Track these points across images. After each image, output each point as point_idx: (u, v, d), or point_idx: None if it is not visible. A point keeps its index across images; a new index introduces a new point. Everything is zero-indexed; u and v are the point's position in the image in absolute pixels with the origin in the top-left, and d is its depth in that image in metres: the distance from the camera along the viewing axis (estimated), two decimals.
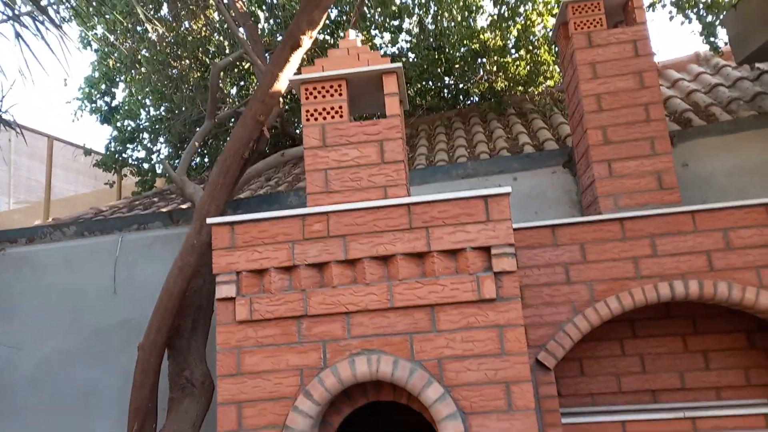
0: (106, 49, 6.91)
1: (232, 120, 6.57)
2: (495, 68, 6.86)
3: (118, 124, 7.06)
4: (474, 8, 6.81)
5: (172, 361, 3.54)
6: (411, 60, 7.06)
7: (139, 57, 6.62)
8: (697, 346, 3.59)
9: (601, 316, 3.18)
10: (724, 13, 4.54)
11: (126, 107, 7.06)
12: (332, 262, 2.56)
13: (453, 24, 6.72)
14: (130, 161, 7.12)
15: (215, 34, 6.80)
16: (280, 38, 6.58)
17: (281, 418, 2.41)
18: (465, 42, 6.51)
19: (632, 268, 3.23)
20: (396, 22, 6.96)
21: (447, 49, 6.61)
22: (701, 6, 4.55)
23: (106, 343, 4.60)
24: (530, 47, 6.67)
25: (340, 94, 2.90)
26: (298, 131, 7.40)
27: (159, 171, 7.17)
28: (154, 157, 7.25)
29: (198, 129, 5.84)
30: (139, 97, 6.99)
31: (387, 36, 7.47)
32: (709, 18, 4.57)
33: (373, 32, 7.28)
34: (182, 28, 6.56)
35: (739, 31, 4.57)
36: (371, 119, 3.05)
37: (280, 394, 2.45)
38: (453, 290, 2.47)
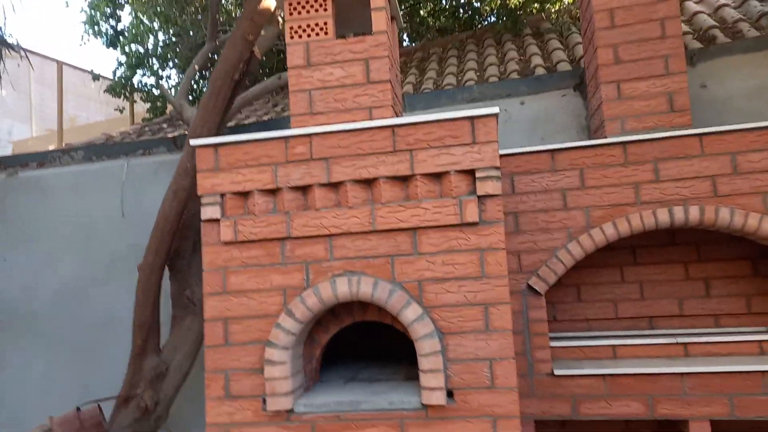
0: None
1: None
2: None
3: (126, 49, 6.95)
4: None
5: (174, 281, 3.65)
6: None
7: None
8: (699, 274, 3.53)
9: (595, 242, 3.12)
10: None
11: (132, 31, 6.91)
12: (315, 185, 2.54)
13: None
14: (139, 87, 7.06)
15: None
16: None
17: (266, 334, 2.48)
18: None
19: (632, 194, 3.12)
20: None
21: None
22: None
23: (118, 267, 4.78)
24: None
25: (325, 9, 2.76)
26: None
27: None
28: (163, 82, 7.17)
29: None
30: (145, 20, 6.82)
31: None
32: None
33: None
34: None
35: None
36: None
37: (264, 312, 2.51)
38: (435, 214, 2.43)
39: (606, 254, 3.67)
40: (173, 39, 6.81)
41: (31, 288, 5.14)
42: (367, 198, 2.52)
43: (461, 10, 7.09)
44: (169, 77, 7.32)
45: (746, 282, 3.47)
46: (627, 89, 3.45)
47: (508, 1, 6.41)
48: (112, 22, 7.11)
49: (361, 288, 2.43)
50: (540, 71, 4.72)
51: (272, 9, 3.38)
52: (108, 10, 6.95)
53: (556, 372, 3.10)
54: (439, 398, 2.31)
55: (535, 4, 6.34)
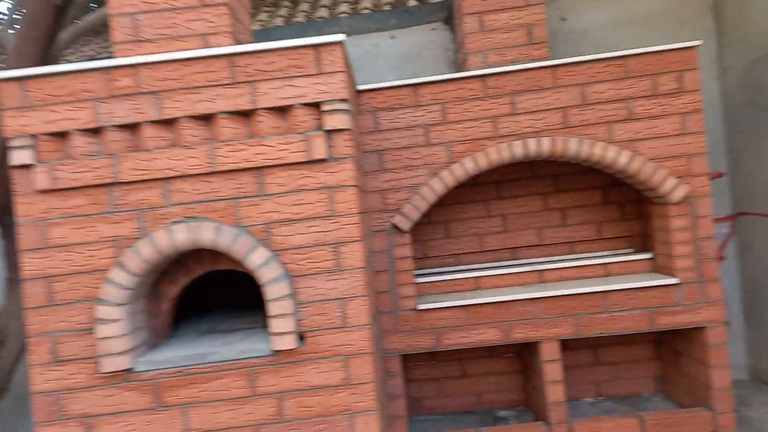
0: None
1: None
2: None
3: None
4: None
5: (5, 239, 3.23)
6: None
7: None
8: (557, 204, 3.71)
9: (456, 177, 3.14)
10: None
11: None
12: (145, 123, 2.26)
13: None
14: None
15: None
16: None
17: (96, 291, 2.24)
18: None
19: (491, 128, 3.15)
20: None
21: None
22: None
23: None
24: None
25: None
26: None
27: None
28: None
29: None
30: None
31: None
32: None
33: None
34: None
35: None
36: None
37: (93, 266, 2.26)
38: (281, 151, 2.27)
39: (472, 190, 3.74)
40: None
41: None
42: (206, 136, 2.29)
43: None
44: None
45: (598, 210, 3.70)
46: (489, 21, 3.42)
47: None
48: None
49: (201, 234, 2.24)
50: (414, 3, 4.57)
51: None
52: None
53: (420, 307, 3.16)
54: (289, 343, 2.24)
55: None
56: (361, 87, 3.14)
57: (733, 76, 3.70)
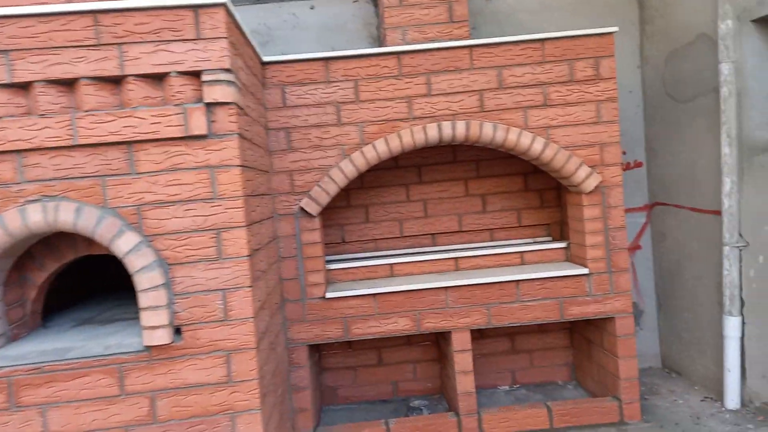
0: None
1: None
2: None
3: None
4: None
5: None
6: None
7: None
8: (478, 190, 3.62)
9: (367, 159, 2.97)
10: None
11: None
12: None
13: None
14: None
15: None
16: None
17: None
18: None
19: (406, 109, 2.99)
20: None
21: None
22: None
23: None
24: None
25: None
26: None
27: None
28: None
29: None
30: None
31: None
32: None
33: None
34: None
35: None
36: None
37: None
38: (155, 124, 2.03)
39: (393, 173, 3.60)
40: None
41: None
42: (67, 104, 2.02)
43: None
44: None
45: (518, 197, 3.63)
46: None
47: None
48: None
49: (59, 215, 1.98)
50: None
51: None
52: None
53: (328, 295, 3.00)
54: (162, 337, 2.02)
55: None
56: (267, 58, 2.91)
57: (653, 66, 3.68)
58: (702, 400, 3.31)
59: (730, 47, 2.88)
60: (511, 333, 3.71)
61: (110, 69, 1.99)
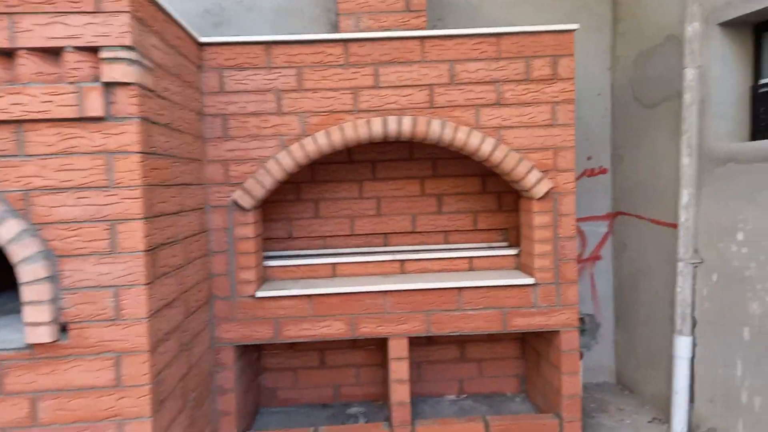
0: None
1: None
2: None
3: None
4: None
5: None
6: None
7: None
8: (434, 190, 3.46)
9: (307, 152, 2.80)
10: None
11: None
12: None
13: None
14: None
15: None
16: None
17: None
18: None
19: (351, 101, 2.82)
20: None
21: None
22: None
23: None
24: None
25: None
26: None
27: None
28: None
29: None
30: None
31: None
32: None
33: None
34: None
35: None
36: None
37: None
38: (46, 103, 1.86)
39: (346, 168, 3.43)
40: None
41: None
42: None
43: None
44: None
45: (475, 199, 3.47)
46: None
47: None
48: None
49: None
50: None
51: None
52: None
53: (259, 294, 2.84)
54: (44, 335, 1.86)
55: None
56: (204, 40, 2.73)
57: (623, 68, 3.52)
58: (650, 422, 3.17)
59: (696, 51, 2.71)
60: (461, 341, 3.56)
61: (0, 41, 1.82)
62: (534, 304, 2.91)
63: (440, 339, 3.54)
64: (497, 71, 2.79)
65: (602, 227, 3.71)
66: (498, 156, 2.80)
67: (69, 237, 1.90)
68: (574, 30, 2.77)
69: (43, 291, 1.86)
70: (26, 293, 1.85)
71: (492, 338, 3.56)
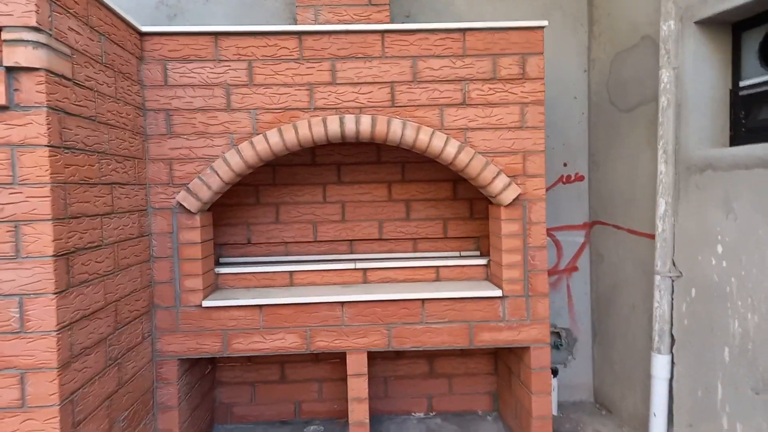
0: None
1: None
2: None
3: None
4: None
5: None
6: None
7: None
8: (402, 195, 3.28)
9: (258, 152, 2.61)
10: None
11: None
12: None
13: None
14: None
15: None
16: None
17: None
18: None
19: (306, 97, 2.63)
20: None
21: None
22: None
23: None
24: None
25: None
26: None
27: None
28: None
29: None
30: None
31: None
32: None
33: None
34: None
35: None
36: None
37: None
38: None
39: (309, 170, 3.24)
40: None
41: None
42: None
43: None
44: None
45: (445, 205, 3.29)
46: None
47: None
48: None
49: None
50: None
51: None
52: None
53: (206, 303, 2.63)
54: None
55: None
56: (146, 29, 2.54)
57: (599, 71, 3.35)
58: None
59: (672, 52, 2.55)
60: (431, 355, 3.36)
61: None
62: (502, 318, 2.72)
63: (408, 353, 3.34)
64: (463, 69, 2.62)
65: (579, 237, 3.53)
66: (463, 159, 2.61)
67: None
68: (543, 27, 2.60)
69: None
70: None
71: (464, 353, 3.36)
